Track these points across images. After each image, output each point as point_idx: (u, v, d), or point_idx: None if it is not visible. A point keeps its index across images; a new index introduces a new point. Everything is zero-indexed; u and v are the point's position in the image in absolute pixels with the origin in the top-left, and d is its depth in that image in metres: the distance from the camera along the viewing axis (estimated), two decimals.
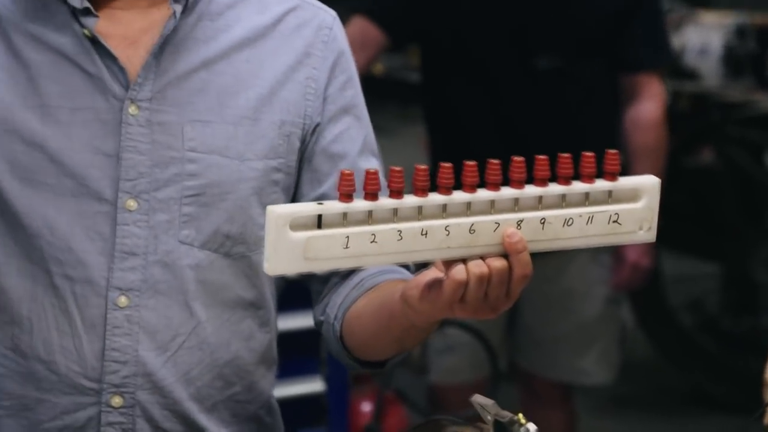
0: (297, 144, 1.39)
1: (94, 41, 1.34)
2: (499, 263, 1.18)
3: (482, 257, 1.18)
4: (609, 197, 1.20)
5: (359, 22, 2.66)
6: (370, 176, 1.17)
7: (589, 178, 1.19)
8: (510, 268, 1.18)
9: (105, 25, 1.34)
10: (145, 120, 1.34)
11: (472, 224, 1.18)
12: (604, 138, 2.68)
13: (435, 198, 1.18)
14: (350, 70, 1.42)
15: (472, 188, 1.18)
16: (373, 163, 1.42)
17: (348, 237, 1.17)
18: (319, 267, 1.19)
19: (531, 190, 1.19)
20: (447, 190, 1.18)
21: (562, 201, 1.20)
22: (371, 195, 1.18)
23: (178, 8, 1.35)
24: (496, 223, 1.18)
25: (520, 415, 1.21)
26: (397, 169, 1.18)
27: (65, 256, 1.32)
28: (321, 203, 1.18)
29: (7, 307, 1.34)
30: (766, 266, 3.84)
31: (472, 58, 2.64)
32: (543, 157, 1.19)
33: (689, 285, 4.07)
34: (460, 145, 2.68)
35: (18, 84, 1.33)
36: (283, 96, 1.38)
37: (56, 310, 1.33)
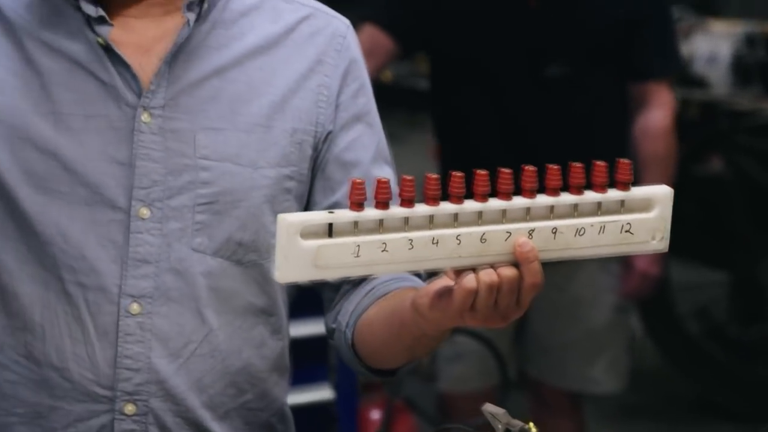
0: (309, 152, 1.39)
1: (108, 49, 1.34)
2: (509, 272, 1.18)
3: (493, 266, 1.18)
4: (621, 207, 1.20)
5: (369, 30, 2.66)
6: (382, 185, 1.17)
7: (602, 188, 1.19)
8: (520, 276, 1.18)
9: (118, 33, 1.35)
10: (157, 127, 1.34)
11: (484, 233, 1.18)
12: (614, 146, 2.68)
13: (446, 207, 1.18)
14: (362, 77, 1.43)
15: (484, 197, 1.18)
16: (386, 171, 1.42)
17: (359, 246, 1.18)
18: (329, 275, 1.19)
19: (543, 200, 1.19)
20: (458, 199, 1.18)
21: (574, 210, 1.20)
22: (382, 204, 1.18)
23: (192, 17, 1.35)
24: (507, 232, 1.18)
25: (531, 424, 1.21)
26: (409, 178, 1.18)
27: (78, 264, 1.33)
28: (332, 212, 1.18)
29: (19, 314, 1.34)
30: None
31: (481, 66, 2.64)
32: (555, 167, 1.18)
33: (697, 293, 4.06)
34: (469, 153, 2.68)
35: (31, 91, 1.33)
36: (295, 104, 1.38)
37: (69, 317, 1.34)
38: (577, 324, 2.76)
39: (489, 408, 1.23)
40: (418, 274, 1.37)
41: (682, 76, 3.99)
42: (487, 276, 1.18)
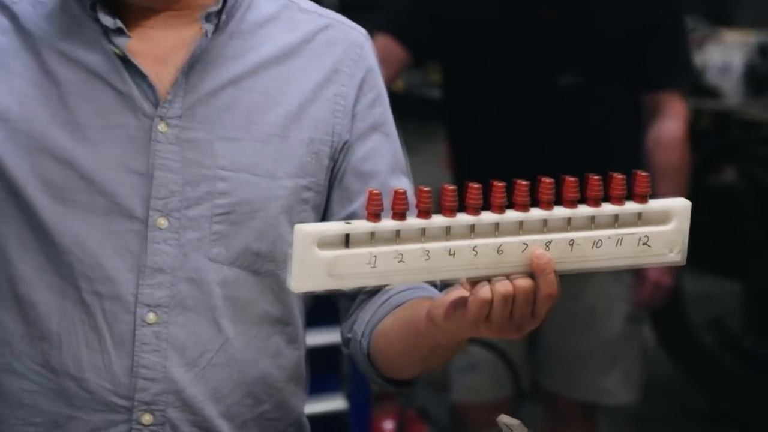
0: (326, 162, 1.39)
1: (125, 60, 1.35)
2: (524, 282, 1.18)
3: (508, 276, 1.18)
4: (639, 219, 1.20)
5: (382, 40, 2.67)
6: (399, 196, 1.18)
7: (619, 200, 1.19)
8: (536, 287, 1.18)
9: (135, 44, 1.35)
10: (174, 137, 1.35)
11: (501, 245, 1.18)
12: (627, 156, 2.68)
13: (463, 219, 1.18)
14: (379, 87, 1.43)
15: (501, 209, 1.18)
16: (404, 182, 1.42)
17: (375, 256, 1.18)
18: (345, 284, 1.19)
19: (559, 212, 1.19)
20: (475, 211, 1.18)
21: (591, 223, 1.20)
22: (399, 215, 1.18)
23: (210, 27, 1.36)
24: (524, 243, 1.18)
25: None
26: (426, 189, 1.19)
27: (94, 273, 1.33)
28: (349, 222, 1.18)
29: (36, 322, 1.35)
30: None
31: (494, 76, 2.65)
32: (572, 179, 1.19)
33: (711, 303, 4.06)
34: (482, 163, 2.68)
35: (49, 101, 1.34)
36: (312, 113, 1.39)
37: (85, 327, 1.34)
38: (590, 334, 2.76)
39: (504, 419, 1.23)
40: (434, 283, 1.37)
41: (695, 86, 3.99)
42: (502, 286, 1.18)
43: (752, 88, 4.31)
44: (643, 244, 1.19)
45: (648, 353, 3.06)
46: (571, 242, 1.19)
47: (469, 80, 2.69)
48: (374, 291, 1.39)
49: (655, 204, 1.21)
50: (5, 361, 1.36)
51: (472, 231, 1.18)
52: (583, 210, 1.19)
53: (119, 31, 1.35)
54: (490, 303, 1.17)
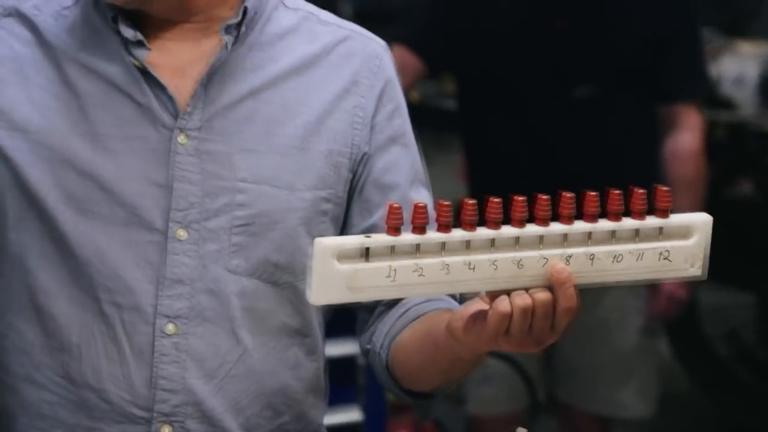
0: (346, 174, 1.40)
1: (144, 71, 1.35)
2: (543, 295, 1.18)
3: (527, 290, 1.18)
4: (659, 234, 1.20)
5: (397, 51, 2.67)
6: (419, 210, 1.18)
7: (640, 215, 1.19)
8: (555, 300, 1.18)
9: (155, 56, 1.36)
10: (194, 149, 1.35)
11: (520, 259, 1.18)
12: (642, 167, 2.67)
13: (483, 233, 1.18)
14: (398, 98, 1.43)
15: (521, 223, 1.18)
16: (423, 194, 1.43)
17: (395, 270, 1.18)
18: (364, 297, 1.20)
19: (580, 227, 1.19)
20: (495, 225, 1.18)
21: (612, 237, 1.20)
22: (419, 228, 1.18)
23: (230, 39, 1.37)
24: (544, 257, 1.19)
25: None
26: (445, 203, 1.19)
27: (113, 284, 1.34)
28: (369, 236, 1.19)
29: (56, 334, 1.35)
30: None
31: (509, 87, 2.65)
32: (593, 193, 1.18)
33: (726, 315, 4.04)
34: (497, 174, 2.68)
35: (70, 113, 1.35)
36: (331, 125, 1.39)
37: (105, 338, 1.35)
38: (605, 347, 2.75)
39: None
40: (453, 295, 1.37)
41: (710, 98, 3.98)
42: (521, 300, 1.18)
43: (767, 100, 4.30)
44: (664, 258, 1.19)
45: (663, 366, 3.06)
46: (591, 256, 1.19)
47: (484, 91, 2.69)
48: (393, 302, 1.39)
49: (676, 219, 1.21)
50: (25, 371, 1.37)
51: (491, 245, 1.18)
52: (604, 224, 1.19)
53: (139, 44, 1.35)
54: (509, 316, 1.18)
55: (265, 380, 1.38)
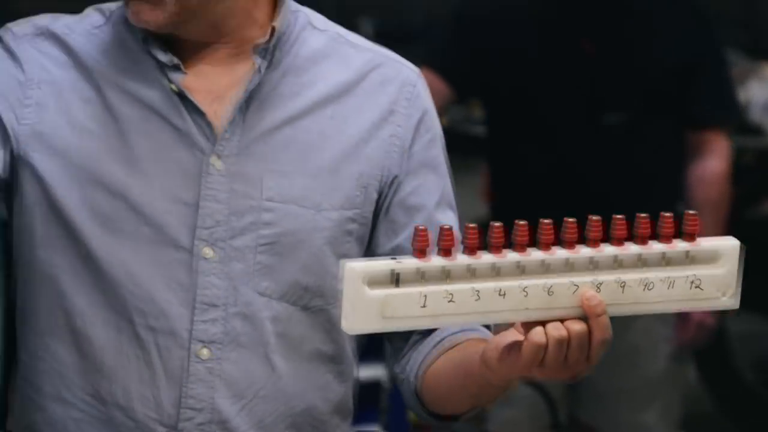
0: (374, 196, 1.40)
1: (182, 96, 1.36)
2: (578, 326, 1.18)
3: (561, 320, 1.18)
4: (688, 259, 1.19)
5: (424, 74, 2.68)
6: (445, 232, 1.18)
7: (669, 240, 1.19)
8: (590, 331, 1.18)
9: (191, 80, 1.37)
10: (225, 170, 1.36)
11: (551, 286, 1.18)
12: (671, 193, 2.67)
13: (511, 257, 1.18)
14: (435, 127, 1.44)
15: (548, 246, 1.18)
16: (450, 216, 1.43)
17: (425, 296, 1.18)
18: (396, 326, 1.20)
19: (608, 251, 1.18)
20: (523, 248, 1.18)
21: (639, 262, 1.19)
22: (446, 251, 1.18)
23: (263, 63, 1.37)
24: (574, 285, 1.18)
25: None
26: (472, 225, 1.19)
27: (148, 307, 1.35)
28: (398, 260, 1.18)
29: (90, 356, 1.36)
30: None
31: (538, 113, 2.65)
32: (621, 217, 1.18)
33: (755, 342, 4.01)
34: (525, 199, 2.68)
35: (109, 137, 1.36)
36: (366, 152, 1.40)
37: (140, 361, 1.35)
38: (633, 372, 2.74)
39: None
40: (486, 324, 1.37)
41: (738, 124, 3.96)
42: (556, 331, 1.18)
43: None
44: (695, 287, 1.19)
45: (690, 391, 3.04)
46: (622, 284, 1.18)
47: (512, 115, 2.70)
48: (428, 332, 1.39)
49: (704, 243, 1.20)
50: (55, 390, 1.37)
51: (520, 270, 1.18)
52: (631, 248, 1.19)
53: (175, 67, 1.36)
54: (544, 347, 1.17)
55: (293, 401, 1.39)
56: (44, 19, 1.40)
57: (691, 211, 1.18)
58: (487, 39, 2.67)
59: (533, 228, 1.18)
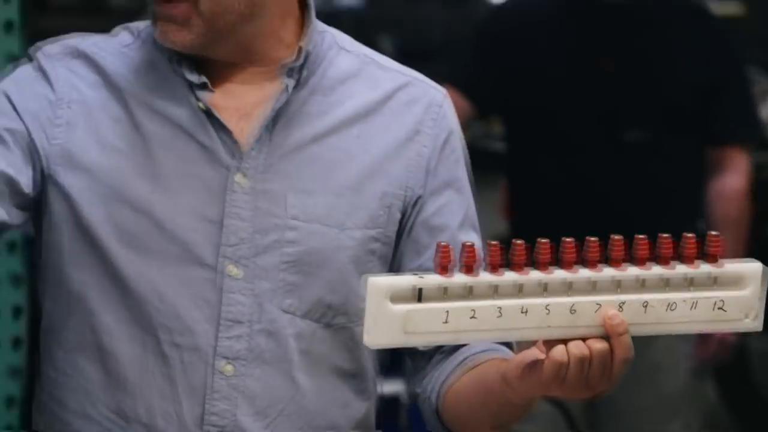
0: (398, 215, 1.41)
1: (209, 114, 1.38)
2: (599, 345, 1.19)
3: (583, 338, 1.18)
4: (713, 282, 1.20)
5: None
6: (468, 249, 1.19)
7: (691, 261, 1.19)
8: (611, 350, 1.18)
9: (219, 98, 1.38)
10: (249, 188, 1.37)
11: (573, 304, 1.19)
12: (692, 211, 2.67)
13: (535, 275, 1.19)
14: (460, 148, 1.45)
15: (571, 265, 1.19)
16: (473, 238, 1.43)
17: (447, 312, 1.19)
18: (418, 341, 1.21)
19: (632, 272, 1.19)
20: (546, 267, 1.19)
21: (664, 283, 1.20)
22: (468, 268, 1.19)
23: (291, 83, 1.39)
24: (597, 304, 1.19)
25: None
26: (495, 243, 1.20)
27: (173, 323, 1.35)
28: (421, 277, 1.20)
29: (114, 372, 1.37)
30: None
31: (558, 131, 2.66)
32: (643, 237, 1.19)
33: None
34: (545, 216, 2.69)
35: (136, 154, 1.37)
36: (389, 170, 1.40)
37: (164, 378, 1.36)
38: (654, 390, 2.74)
39: None
40: (509, 345, 1.38)
41: (761, 141, 3.95)
42: (578, 349, 1.18)
43: None
44: (719, 308, 1.19)
45: (710, 408, 3.03)
46: (645, 304, 1.19)
47: (533, 133, 2.71)
48: (451, 350, 1.39)
49: (729, 267, 1.20)
50: (80, 407, 1.38)
51: (544, 289, 1.19)
52: (656, 270, 1.19)
53: (203, 86, 1.38)
54: (566, 366, 1.18)
55: (315, 419, 1.39)
56: (75, 39, 1.42)
57: (714, 233, 1.19)
58: (509, 57, 2.69)
59: (555, 246, 1.19)
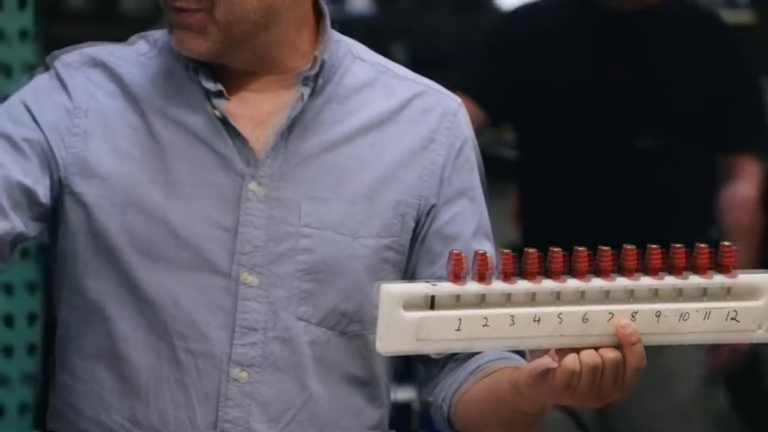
0: (411, 224, 1.41)
1: (225, 122, 1.39)
2: (612, 354, 1.19)
3: (595, 347, 1.19)
4: (726, 292, 1.20)
5: None
6: (481, 258, 1.19)
7: (705, 271, 1.19)
8: (623, 359, 1.19)
9: (235, 106, 1.39)
10: (264, 196, 1.38)
11: (586, 313, 1.19)
12: (703, 218, 2.67)
13: (548, 285, 1.19)
14: (472, 156, 1.45)
15: (584, 274, 1.19)
16: (486, 246, 1.43)
17: (460, 319, 1.20)
18: (430, 348, 1.21)
19: (645, 282, 1.19)
20: (559, 277, 1.19)
21: (677, 293, 1.20)
22: (481, 276, 1.20)
23: (306, 91, 1.39)
24: (610, 313, 1.19)
25: None
26: (507, 251, 1.20)
27: (188, 330, 1.36)
28: (434, 284, 1.20)
29: (129, 379, 1.38)
30: None
31: (570, 139, 2.66)
32: (655, 247, 1.19)
33: None
34: (556, 223, 2.69)
35: (151, 162, 1.38)
36: (402, 177, 1.41)
37: (178, 385, 1.37)
38: (665, 397, 2.74)
39: None
40: (522, 354, 1.38)
41: None
42: (590, 357, 1.19)
43: None
44: (732, 318, 1.19)
45: (721, 415, 3.03)
46: (658, 314, 1.19)
47: (544, 139, 2.71)
48: (464, 358, 1.40)
49: (744, 278, 1.20)
50: (95, 413, 1.39)
51: (557, 298, 1.20)
52: (669, 281, 1.19)
53: (219, 94, 1.39)
54: (578, 374, 1.18)
55: (328, 426, 1.40)
56: (92, 48, 1.43)
57: (727, 243, 1.19)
58: (520, 64, 2.69)
59: (568, 255, 1.19)
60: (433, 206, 1.42)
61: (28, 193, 1.35)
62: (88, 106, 1.39)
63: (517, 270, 1.20)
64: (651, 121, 2.65)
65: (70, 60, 1.41)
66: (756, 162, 2.76)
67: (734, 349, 2.74)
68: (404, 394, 2.54)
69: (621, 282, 1.19)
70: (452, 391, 1.40)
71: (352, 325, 1.40)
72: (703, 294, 1.20)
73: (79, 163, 1.38)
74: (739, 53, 2.75)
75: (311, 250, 1.38)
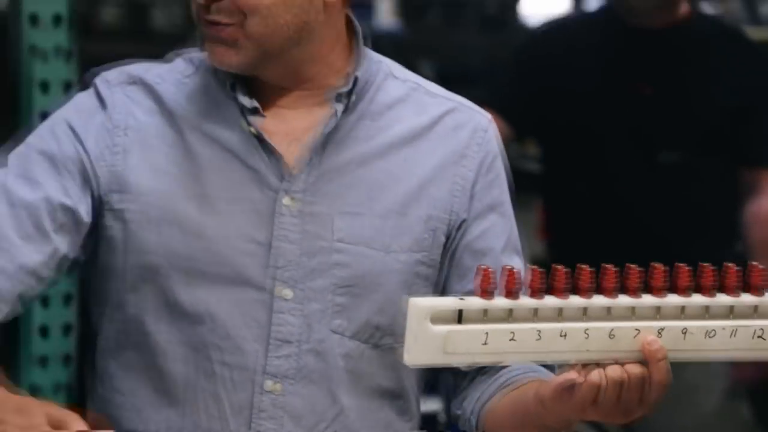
0: (442, 239, 1.43)
1: (260, 138, 1.41)
2: (636, 369, 1.20)
3: (619, 362, 1.20)
4: (753, 311, 1.21)
5: None
6: (509, 273, 1.21)
7: (732, 291, 1.20)
8: (649, 375, 1.20)
9: (270, 122, 1.41)
10: (297, 210, 1.40)
11: (612, 329, 1.20)
12: (728, 232, 2.68)
13: (575, 301, 1.21)
14: (502, 172, 1.47)
15: (612, 293, 1.20)
16: (516, 261, 1.45)
17: (487, 333, 1.21)
18: (457, 361, 1.23)
19: (673, 300, 1.20)
20: (587, 293, 1.21)
21: (705, 312, 1.21)
22: (509, 291, 1.21)
23: (340, 108, 1.42)
24: (636, 329, 1.20)
25: None
26: (538, 269, 1.22)
27: (224, 343, 1.38)
28: (462, 298, 1.22)
29: (166, 392, 1.40)
30: None
31: (594, 153, 2.68)
32: (683, 266, 1.20)
33: None
34: (580, 238, 2.70)
35: (186, 177, 1.40)
36: (432, 192, 1.43)
37: (212, 397, 1.39)
38: (690, 410, 2.74)
39: None
40: (550, 366, 1.39)
41: None
42: (615, 372, 1.20)
43: None
44: (758, 337, 1.20)
45: (745, 427, 3.03)
46: (684, 330, 1.20)
47: (569, 155, 2.73)
48: (490, 371, 1.42)
49: None
50: (133, 427, 1.41)
51: (584, 314, 1.21)
52: (697, 299, 1.20)
53: (255, 111, 1.41)
54: (603, 389, 1.20)
55: None
56: (133, 66, 1.46)
57: (755, 263, 1.20)
58: (546, 79, 2.71)
59: (595, 272, 1.21)
60: (464, 221, 1.44)
61: (71, 213, 1.38)
62: (127, 124, 1.42)
63: (544, 286, 1.22)
64: (675, 136, 2.66)
65: (110, 77, 1.44)
66: None
67: (758, 363, 2.74)
68: (430, 405, 2.56)
69: (648, 299, 1.21)
70: (480, 404, 1.42)
71: (385, 339, 1.42)
72: (730, 312, 1.21)
73: (118, 180, 1.41)
74: (764, 69, 2.76)
75: (345, 264, 1.40)
